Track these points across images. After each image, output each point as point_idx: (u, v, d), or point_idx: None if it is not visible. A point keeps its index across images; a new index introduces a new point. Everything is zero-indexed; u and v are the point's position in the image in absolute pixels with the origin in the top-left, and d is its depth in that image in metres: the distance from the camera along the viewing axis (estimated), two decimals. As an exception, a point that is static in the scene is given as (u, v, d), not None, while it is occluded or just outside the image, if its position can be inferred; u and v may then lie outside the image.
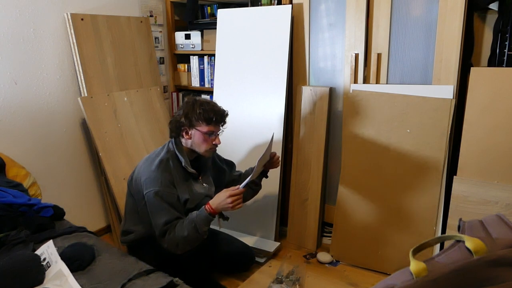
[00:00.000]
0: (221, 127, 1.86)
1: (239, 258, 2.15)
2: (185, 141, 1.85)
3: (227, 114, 1.87)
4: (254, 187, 2.11)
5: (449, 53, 1.99)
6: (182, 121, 1.79)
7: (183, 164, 1.83)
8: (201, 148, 1.83)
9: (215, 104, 1.85)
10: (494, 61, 1.99)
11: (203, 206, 1.75)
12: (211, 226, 2.28)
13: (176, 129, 1.84)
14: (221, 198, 1.73)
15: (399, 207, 2.14)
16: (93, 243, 1.59)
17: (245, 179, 1.81)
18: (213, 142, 1.83)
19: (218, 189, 1.95)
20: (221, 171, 2.13)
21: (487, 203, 1.89)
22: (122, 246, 2.45)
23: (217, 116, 1.80)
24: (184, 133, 1.82)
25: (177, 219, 1.75)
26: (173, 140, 1.87)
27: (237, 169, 2.25)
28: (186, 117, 1.79)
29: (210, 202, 1.75)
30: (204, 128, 1.79)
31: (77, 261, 1.43)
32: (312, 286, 2.09)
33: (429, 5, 2.02)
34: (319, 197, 2.43)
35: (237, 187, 1.76)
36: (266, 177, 2.13)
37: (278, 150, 2.42)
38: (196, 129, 1.79)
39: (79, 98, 2.36)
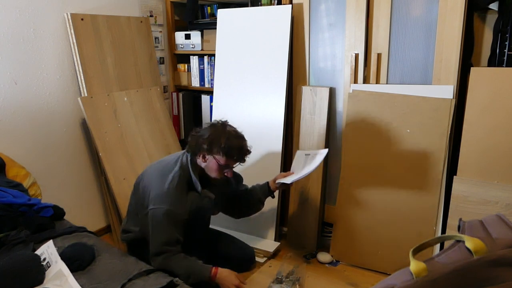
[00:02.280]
0: (239, 163, 1.83)
1: (239, 259, 2.15)
2: (199, 161, 1.82)
3: (249, 153, 1.83)
4: (258, 205, 2.12)
5: (449, 53, 1.99)
6: (204, 146, 1.75)
7: (193, 180, 1.81)
8: (212, 174, 1.81)
9: (241, 141, 1.80)
10: (494, 61, 1.99)
11: (211, 267, 1.73)
12: (212, 226, 2.29)
13: (195, 148, 1.79)
14: (228, 279, 1.72)
15: (399, 207, 2.14)
16: (93, 243, 1.60)
17: (252, 195, 1.93)
18: (225, 173, 1.82)
19: (220, 199, 1.95)
20: (227, 183, 2.07)
21: (487, 203, 1.89)
22: (121, 246, 2.45)
23: (239, 155, 1.78)
24: (201, 156, 1.79)
25: (177, 241, 1.74)
26: (189, 155, 1.83)
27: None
28: (209, 144, 1.74)
29: (219, 272, 1.73)
30: (222, 160, 1.75)
31: (77, 261, 1.44)
32: (312, 286, 2.09)
33: (429, 5, 2.02)
34: (319, 197, 2.42)
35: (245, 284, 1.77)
36: (273, 197, 2.13)
37: (278, 150, 2.43)
38: (214, 157, 1.76)
39: (79, 98, 2.36)
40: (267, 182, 2.09)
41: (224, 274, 1.73)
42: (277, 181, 2.04)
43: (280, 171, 2.45)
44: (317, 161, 1.97)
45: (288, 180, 1.97)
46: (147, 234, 1.79)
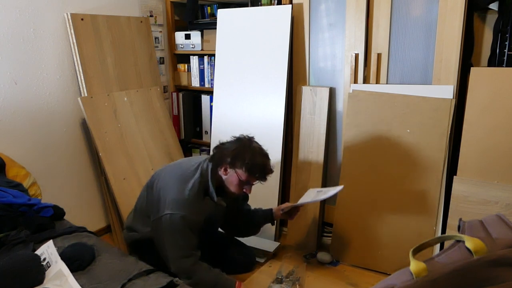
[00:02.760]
0: (260, 181, 1.82)
1: (240, 262, 2.17)
2: (220, 173, 1.80)
3: (272, 172, 1.82)
4: (256, 229, 2.14)
5: (449, 53, 1.99)
6: (227, 159, 1.74)
7: (210, 189, 1.79)
8: (230, 188, 1.80)
9: (265, 159, 1.78)
10: (494, 61, 1.99)
11: (235, 281, 1.78)
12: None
13: (218, 160, 1.78)
14: None
15: (399, 207, 2.14)
16: (93, 243, 1.59)
17: (253, 217, 1.99)
18: (244, 190, 1.80)
19: (226, 211, 1.95)
20: (235, 198, 2.03)
21: (487, 203, 1.89)
22: (122, 246, 2.45)
23: (261, 174, 1.77)
24: (223, 168, 1.78)
25: (197, 246, 1.75)
26: (210, 165, 1.81)
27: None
28: (233, 157, 1.73)
29: (243, 287, 1.78)
30: (243, 176, 1.74)
31: (77, 261, 1.43)
32: (312, 286, 2.09)
33: (429, 5, 2.02)
34: (319, 197, 2.43)
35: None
36: (273, 224, 2.14)
37: (278, 150, 2.43)
38: (236, 171, 1.75)
39: (79, 98, 2.36)
40: (271, 209, 2.11)
41: None
42: (283, 208, 2.07)
43: (280, 171, 2.45)
44: (330, 194, 1.97)
45: (299, 202, 2.00)
46: (158, 237, 1.77)
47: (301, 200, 2.05)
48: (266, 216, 2.11)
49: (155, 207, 1.80)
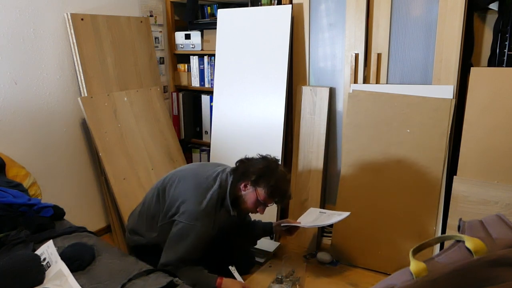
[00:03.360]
0: (275, 204, 1.83)
1: (239, 262, 2.16)
2: (240, 187, 1.79)
3: (290, 199, 1.86)
4: (254, 241, 2.16)
5: (449, 53, 1.99)
6: (252, 177, 1.74)
7: (226, 203, 1.78)
8: (245, 205, 1.79)
9: (288, 185, 1.80)
10: (494, 61, 1.99)
11: (216, 277, 1.75)
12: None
13: (242, 175, 1.77)
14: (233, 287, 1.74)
15: (399, 207, 2.14)
16: (93, 243, 1.59)
17: (253, 229, 2.01)
18: (258, 209, 1.80)
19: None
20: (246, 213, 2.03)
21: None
22: (122, 246, 2.45)
23: (281, 198, 1.78)
24: (243, 185, 1.77)
25: (192, 261, 1.74)
26: (231, 178, 1.79)
27: None
28: (258, 176, 1.73)
29: (224, 282, 1.74)
30: (262, 196, 1.74)
31: (77, 261, 1.43)
32: (312, 286, 2.09)
33: (429, 5, 2.02)
34: (319, 197, 2.42)
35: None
36: (271, 238, 2.15)
37: (278, 150, 2.43)
38: (256, 189, 1.74)
39: (79, 98, 2.36)
40: (271, 223, 2.11)
41: (228, 283, 1.74)
42: (283, 224, 2.05)
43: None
44: (334, 220, 1.96)
45: (301, 223, 2.00)
46: (163, 242, 1.77)
47: (302, 221, 2.03)
48: (265, 229, 2.11)
49: (165, 212, 1.79)
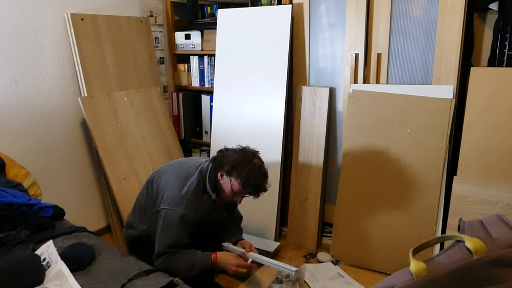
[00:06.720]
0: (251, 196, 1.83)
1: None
2: (218, 177, 1.82)
3: (265, 191, 1.83)
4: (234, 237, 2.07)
5: (449, 53, 1.99)
6: (226, 167, 1.77)
7: (207, 188, 1.82)
8: (222, 194, 1.83)
9: (262, 178, 1.79)
10: (494, 61, 1.99)
11: (210, 253, 1.77)
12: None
13: (218, 164, 1.81)
14: (229, 261, 1.76)
15: (399, 207, 2.14)
16: (93, 243, 1.59)
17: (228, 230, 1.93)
18: (234, 199, 1.82)
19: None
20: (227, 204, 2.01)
21: (487, 203, 1.89)
22: (122, 246, 2.45)
23: (254, 190, 1.78)
24: (220, 175, 1.80)
25: (183, 245, 1.76)
26: (210, 166, 1.84)
27: None
28: (232, 167, 1.75)
29: (218, 256, 1.77)
30: (236, 187, 1.76)
31: (77, 261, 1.43)
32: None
33: (429, 5, 2.02)
34: (319, 197, 2.43)
35: (248, 262, 1.81)
36: (221, 249, 1.97)
37: (278, 150, 2.43)
38: (231, 180, 1.76)
39: (79, 98, 2.36)
40: (240, 238, 2.04)
41: (224, 256, 1.78)
42: (225, 245, 1.96)
43: (280, 171, 2.45)
44: (281, 268, 1.86)
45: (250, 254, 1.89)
46: (153, 233, 1.80)
47: (254, 255, 1.90)
48: (231, 238, 2.03)
49: (153, 202, 1.85)
